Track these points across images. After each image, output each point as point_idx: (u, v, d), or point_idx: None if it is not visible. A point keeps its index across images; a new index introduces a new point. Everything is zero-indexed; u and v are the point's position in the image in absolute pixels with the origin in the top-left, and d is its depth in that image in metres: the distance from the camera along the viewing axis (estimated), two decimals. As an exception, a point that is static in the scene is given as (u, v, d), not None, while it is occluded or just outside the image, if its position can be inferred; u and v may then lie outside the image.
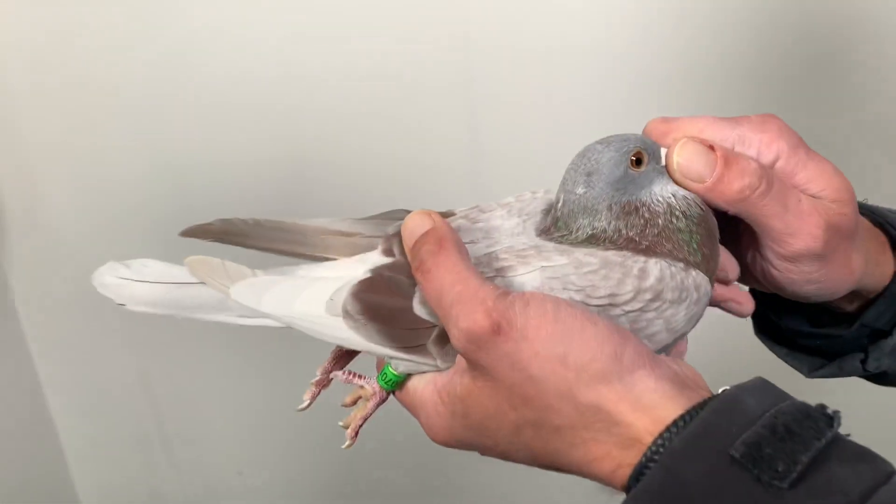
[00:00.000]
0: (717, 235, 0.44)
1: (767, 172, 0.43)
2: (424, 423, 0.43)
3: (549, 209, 0.44)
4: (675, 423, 0.36)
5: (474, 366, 0.40)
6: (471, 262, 0.41)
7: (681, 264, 0.42)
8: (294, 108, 0.91)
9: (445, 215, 0.46)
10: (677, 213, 0.43)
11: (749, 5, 0.85)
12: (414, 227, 0.42)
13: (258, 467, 1.16)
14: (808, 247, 0.43)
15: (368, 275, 0.43)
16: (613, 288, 0.41)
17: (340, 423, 0.46)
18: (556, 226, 0.43)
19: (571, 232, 0.43)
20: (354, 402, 0.46)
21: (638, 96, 0.81)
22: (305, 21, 0.87)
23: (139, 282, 0.45)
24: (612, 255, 0.42)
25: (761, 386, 0.37)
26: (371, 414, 0.45)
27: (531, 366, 0.38)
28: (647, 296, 0.41)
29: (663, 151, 0.44)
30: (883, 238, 0.49)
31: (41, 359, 1.08)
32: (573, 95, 0.87)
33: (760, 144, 0.44)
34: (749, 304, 0.48)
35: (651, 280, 0.41)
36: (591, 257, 0.42)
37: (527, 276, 0.41)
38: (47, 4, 0.88)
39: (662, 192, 0.43)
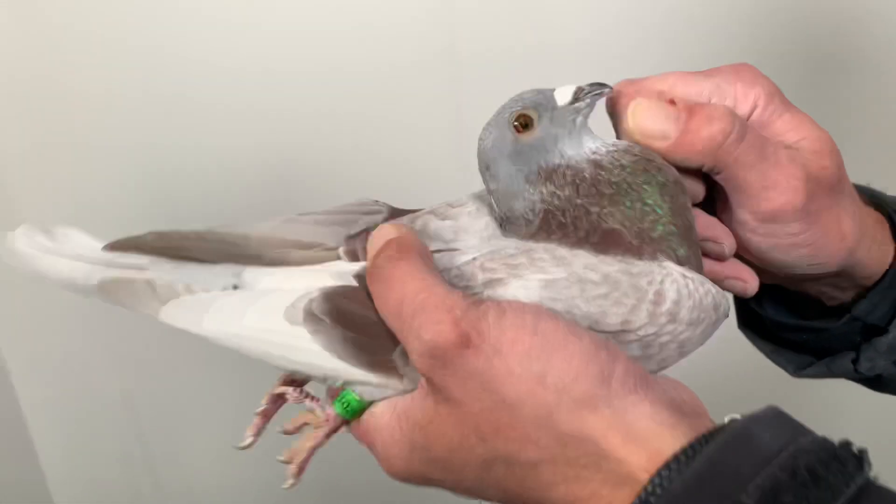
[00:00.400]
0: (684, 189, 0.39)
1: (739, 117, 0.39)
2: (380, 454, 0.38)
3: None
4: (675, 458, 0.31)
5: (437, 388, 0.35)
6: (437, 271, 0.36)
7: (699, 278, 0.37)
8: (278, 107, 0.89)
9: (413, 212, 0.42)
10: (605, 164, 0.38)
11: (745, 5, 0.84)
12: (378, 238, 0.37)
13: (244, 488, 1.13)
14: (789, 200, 0.39)
15: (344, 281, 0.39)
16: (627, 315, 0.36)
17: (280, 458, 0.40)
18: (505, 227, 0.40)
19: (522, 225, 0.39)
20: (298, 430, 0.40)
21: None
22: (288, 19, 0.86)
23: (59, 256, 0.39)
24: (616, 273, 0.37)
25: (775, 417, 0.32)
26: (320, 445, 0.39)
27: (504, 387, 0.33)
28: (663, 319, 0.36)
29: (560, 91, 0.39)
30: (883, 219, 0.46)
31: (19, 378, 1.05)
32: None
33: (736, 93, 0.41)
34: (754, 281, 0.43)
35: (668, 304, 0.36)
36: (590, 272, 0.36)
37: (521, 293, 0.36)
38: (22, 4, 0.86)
39: (579, 151, 0.38)
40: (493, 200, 0.40)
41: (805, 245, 0.41)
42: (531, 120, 0.39)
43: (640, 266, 0.37)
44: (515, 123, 0.39)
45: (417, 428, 0.36)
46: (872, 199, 0.47)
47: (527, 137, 0.38)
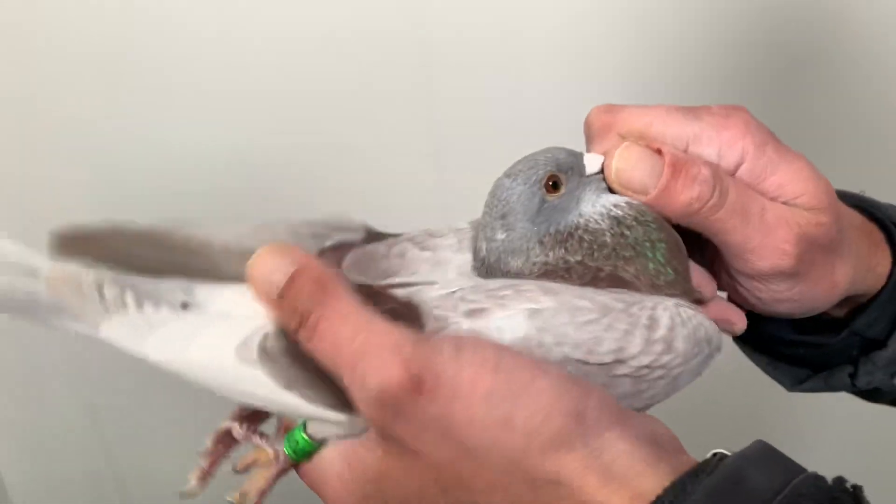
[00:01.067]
0: (683, 246, 0.39)
1: (723, 180, 0.37)
2: (331, 500, 0.35)
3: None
4: (659, 499, 0.29)
5: (390, 439, 0.32)
6: (364, 304, 0.32)
7: (692, 308, 0.36)
8: (250, 108, 0.87)
9: (391, 237, 0.40)
10: (628, 222, 0.37)
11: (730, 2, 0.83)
12: (270, 271, 0.32)
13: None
14: (775, 265, 0.38)
15: None
16: (620, 341, 0.34)
17: (229, 499, 0.37)
18: (484, 274, 0.38)
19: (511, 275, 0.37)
20: (247, 468, 0.38)
21: (608, 94, 0.79)
22: (258, 23, 0.83)
23: None
24: (610, 300, 0.35)
25: (764, 453, 0.31)
26: (269, 487, 0.37)
27: (467, 435, 0.30)
28: (658, 347, 0.34)
29: (589, 159, 0.38)
30: (878, 236, 0.45)
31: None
32: (538, 94, 0.84)
33: (721, 143, 0.38)
34: (742, 322, 0.42)
35: (662, 330, 0.35)
36: (583, 300, 0.34)
37: (506, 322, 0.33)
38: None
39: (597, 207, 0.38)
40: (484, 244, 0.39)
41: (791, 300, 0.40)
42: (561, 182, 0.38)
43: (634, 297, 0.36)
44: (547, 184, 0.38)
45: (369, 480, 0.33)
46: (863, 207, 0.46)
47: (553, 198, 0.38)
